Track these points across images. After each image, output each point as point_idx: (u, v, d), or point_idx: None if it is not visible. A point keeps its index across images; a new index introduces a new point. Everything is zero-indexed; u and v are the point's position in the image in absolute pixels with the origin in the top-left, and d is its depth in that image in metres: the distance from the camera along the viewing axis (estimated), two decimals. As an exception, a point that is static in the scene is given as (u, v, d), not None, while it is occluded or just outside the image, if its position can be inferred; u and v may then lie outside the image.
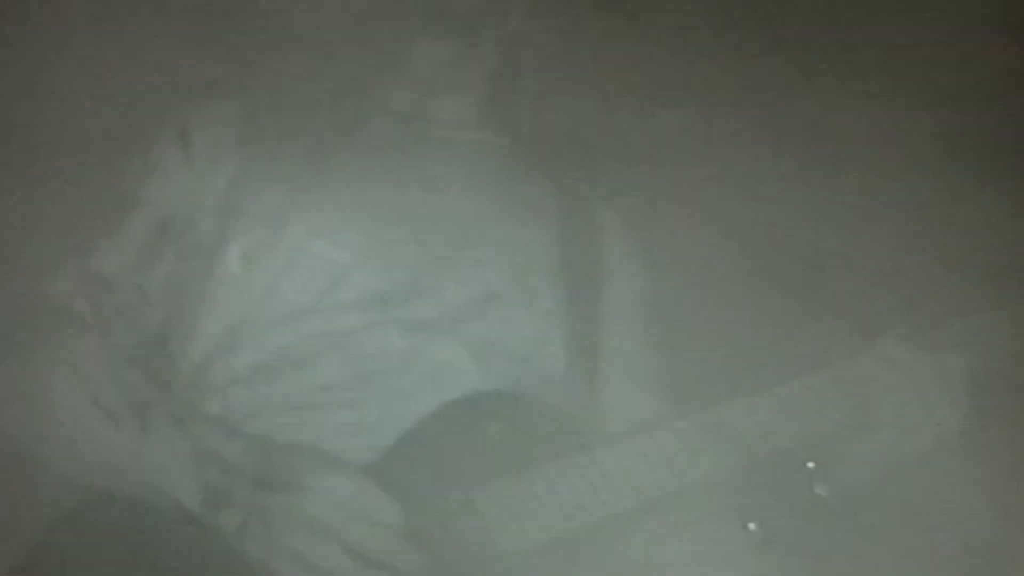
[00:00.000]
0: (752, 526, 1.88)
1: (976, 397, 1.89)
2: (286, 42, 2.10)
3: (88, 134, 2.13)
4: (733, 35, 2.54)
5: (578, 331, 2.04)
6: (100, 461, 1.81)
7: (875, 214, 2.36)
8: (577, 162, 2.24)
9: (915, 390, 1.89)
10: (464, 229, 2.02)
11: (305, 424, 1.88)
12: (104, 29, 2.21)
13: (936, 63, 2.47)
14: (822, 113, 2.45)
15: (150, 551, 1.76)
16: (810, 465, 1.89)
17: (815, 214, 2.38)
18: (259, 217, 1.97)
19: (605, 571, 1.82)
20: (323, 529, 1.72)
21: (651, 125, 2.50)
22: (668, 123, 2.53)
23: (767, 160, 2.54)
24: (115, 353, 1.87)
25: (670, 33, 2.49)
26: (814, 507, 1.89)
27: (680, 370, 2.11)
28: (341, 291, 1.94)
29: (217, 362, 1.94)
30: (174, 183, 2.00)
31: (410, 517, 1.75)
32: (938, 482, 1.93)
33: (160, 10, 2.23)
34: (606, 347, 2.06)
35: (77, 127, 2.12)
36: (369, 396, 1.89)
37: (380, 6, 2.04)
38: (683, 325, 2.22)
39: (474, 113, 2.13)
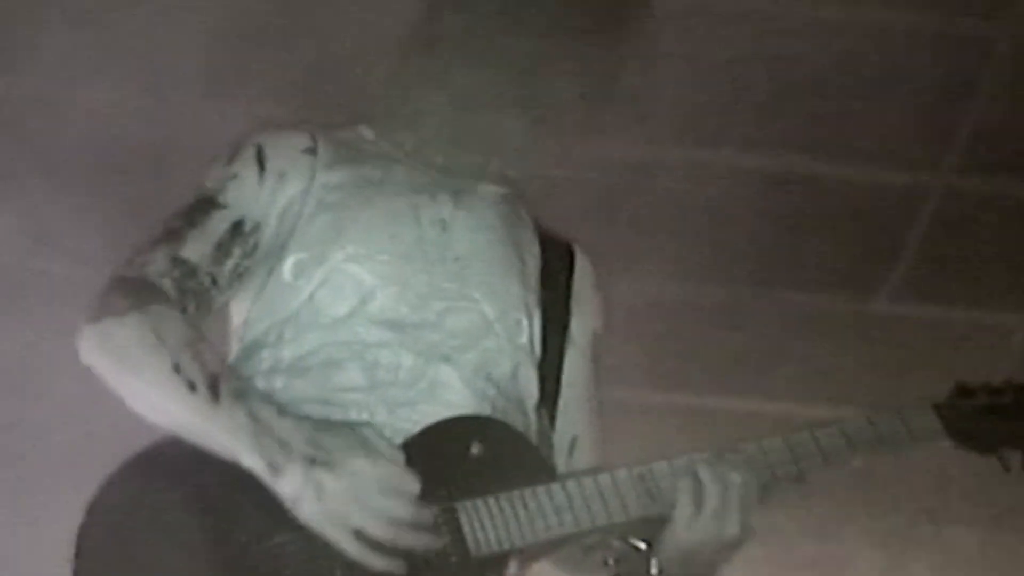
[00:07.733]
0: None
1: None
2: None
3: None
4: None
5: (545, 367, 2.51)
6: (178, 419, 2.23)
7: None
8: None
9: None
10: (466, 266, 2.46)
11: (325, 417, 2.31)
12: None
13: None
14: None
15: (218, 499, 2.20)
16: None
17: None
18: (311, 236, 2.41)
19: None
20: (361, 500, 2.17)
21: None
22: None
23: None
24: (191, 328, 2.30)
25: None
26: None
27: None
28: (367, 309, 2.39)
29: (264, 350, 2.39)
30: (248, 193, 2.42)
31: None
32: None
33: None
34: (566, 384, 2.54)
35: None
36: (379, 402, 2.34)
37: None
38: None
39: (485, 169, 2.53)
